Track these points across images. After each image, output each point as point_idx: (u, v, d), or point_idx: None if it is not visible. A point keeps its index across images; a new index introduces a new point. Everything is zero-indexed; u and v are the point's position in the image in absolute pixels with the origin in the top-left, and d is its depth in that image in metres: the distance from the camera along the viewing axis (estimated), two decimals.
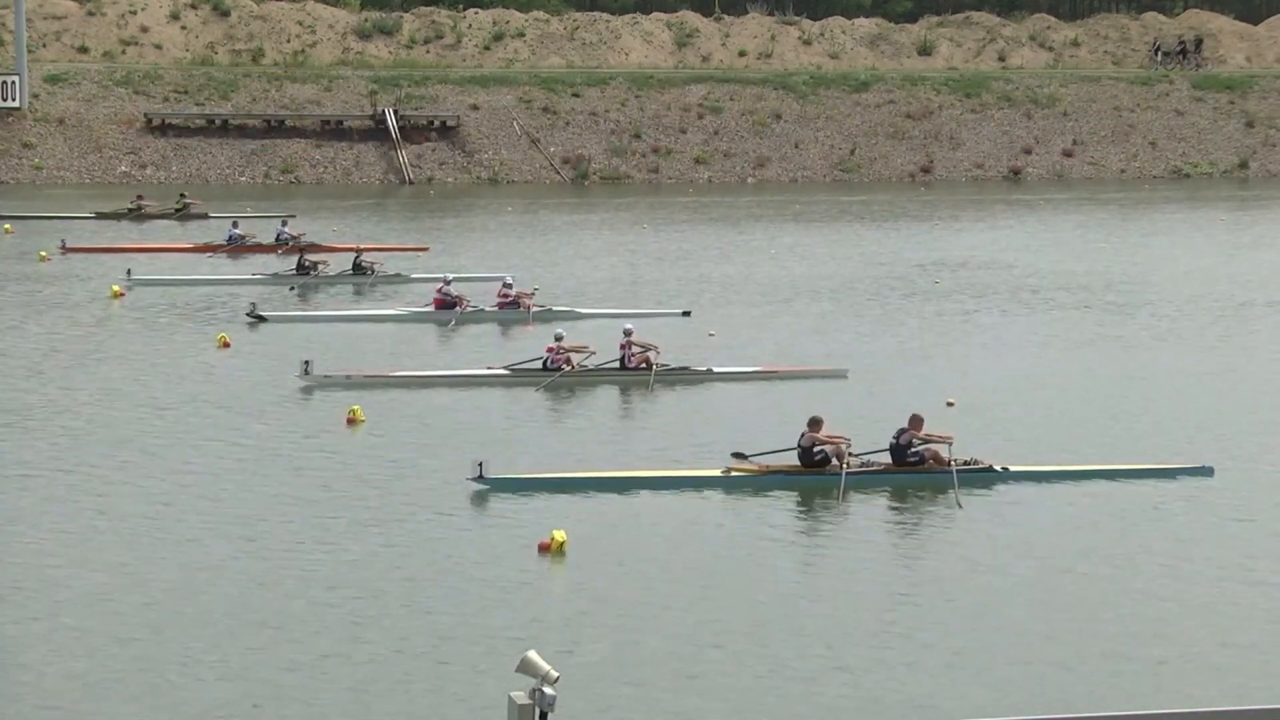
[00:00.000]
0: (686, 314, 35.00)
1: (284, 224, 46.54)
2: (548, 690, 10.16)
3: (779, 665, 15.37)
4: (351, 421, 24.72)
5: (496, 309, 34.68)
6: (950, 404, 26.34)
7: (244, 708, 14.27)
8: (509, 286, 35.01)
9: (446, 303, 34.43)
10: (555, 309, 34.83)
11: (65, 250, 43.96)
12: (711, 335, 32.86)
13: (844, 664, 15.45)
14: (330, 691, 14.63)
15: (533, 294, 35.22)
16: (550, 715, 10.17)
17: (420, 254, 45.05)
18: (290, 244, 44.63)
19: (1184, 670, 15.59)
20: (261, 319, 33.44)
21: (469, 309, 34.36)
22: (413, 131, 71.05)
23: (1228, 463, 22.90)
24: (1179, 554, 19.05)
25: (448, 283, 34.98)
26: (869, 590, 17.59)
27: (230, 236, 45.69)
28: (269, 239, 45.33)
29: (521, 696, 10.21)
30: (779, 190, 70.33)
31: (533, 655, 10.31)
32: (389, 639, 15.82)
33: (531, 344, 30.16)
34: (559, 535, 18.56)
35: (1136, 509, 20.78)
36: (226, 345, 30.87)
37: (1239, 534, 19.94)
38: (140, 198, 54.24)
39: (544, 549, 18.46)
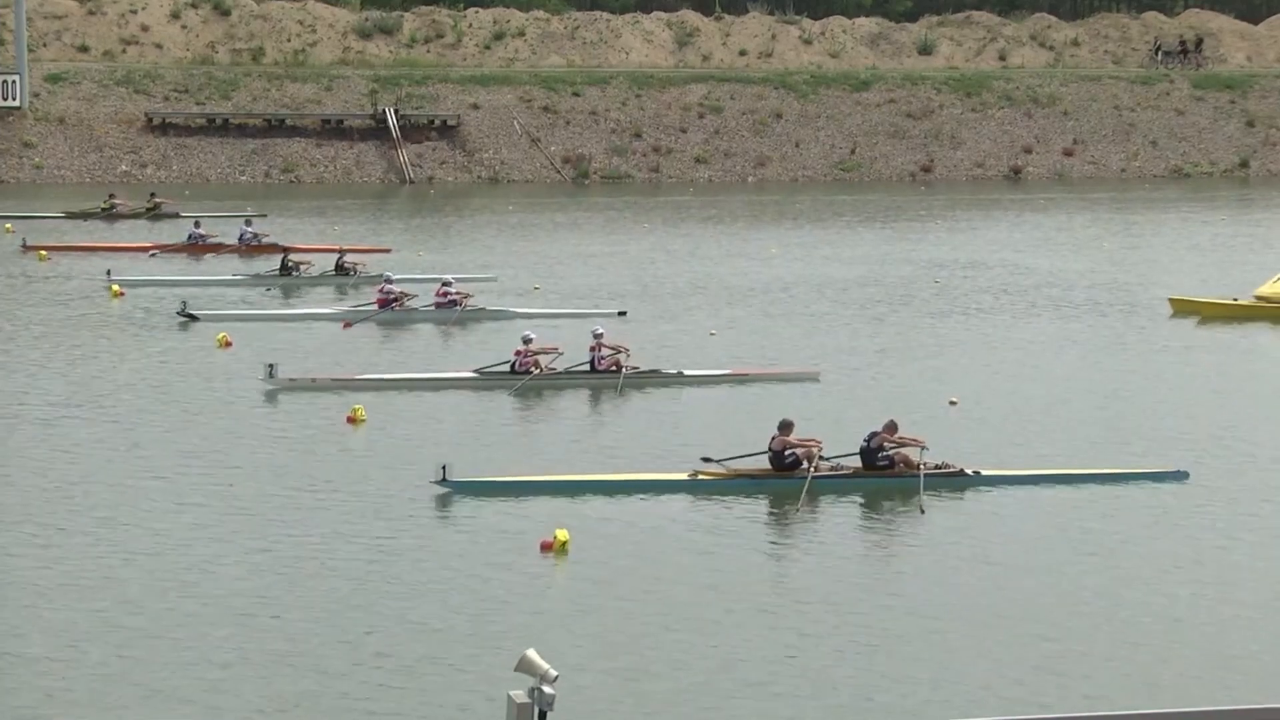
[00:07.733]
0: (623, 314, 34.72)
1: (247, 223, 46.11)
2: (547, 689, 10.10)
3: (770, 667, 15.42)
4: (352, 420, 24.79)
5: (433, 308, 34.54)
6: (953, 403, 26.34)
7: (242, 710, 14.30)
8: (448, 285, 34.82)
9: (387, 300, 34.44)
10: (489, 309, 34.77)
11: (26, 249, 43.83)
12: (713, 335, 32.91)
13: (818, 666, 15.52)
14: (329, 692, 14.68)
15: (470, 296, 34.87)
16: (549, 714, 10.13)
17: (385, 255, 44.28)
18: (252, 243, 44.42)
19: (1160, 672, 15.60)
20: (193, 318, 33.35)
21: (404, 307, 34.33)
22: (413, 131, 71.09)
23: (1204, 467, 22.86)
24: (1153, 558, 19.03)
25: (389, 281, 35.05)
26: (829, 594, 17.59)
27: (190, 235, 45.39)
28: (241, 239, 45.16)
29: (521, 695, 10.14)
30: (779, 190, 70.31)
31: (532, 654, 10.23)
32: (385, 640, 15.87)
33: (463, 342, 30.72)
34: (562, 534, 18.58)
35: (1109, 513, 20.74)
36: (228, 344, 30.80)
37: (1214, 538, 19.90)
38: (112, 196, 54.01)
39: (546, 548, 18.50)
